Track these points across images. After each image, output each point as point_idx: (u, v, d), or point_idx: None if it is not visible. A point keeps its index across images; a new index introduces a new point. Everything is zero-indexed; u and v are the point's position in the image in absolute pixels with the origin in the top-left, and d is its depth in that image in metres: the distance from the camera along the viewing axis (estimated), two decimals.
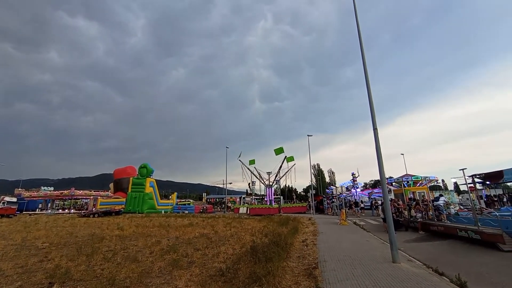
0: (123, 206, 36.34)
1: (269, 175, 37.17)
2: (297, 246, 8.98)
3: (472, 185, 12.48)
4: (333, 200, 29.26)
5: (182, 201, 52.16)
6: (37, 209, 43.63)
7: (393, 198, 21.57)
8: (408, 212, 14.76)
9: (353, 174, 35.77)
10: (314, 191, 32.39)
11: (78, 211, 38.88)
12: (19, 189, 52.55)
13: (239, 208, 35.18)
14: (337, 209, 26.06)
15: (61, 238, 11.89)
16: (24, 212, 38.77)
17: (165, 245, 9.52)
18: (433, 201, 14.27)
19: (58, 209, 45.40)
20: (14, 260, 7.54)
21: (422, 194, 21.92)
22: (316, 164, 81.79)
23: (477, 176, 11.88)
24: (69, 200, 47.36)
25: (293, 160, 36.04)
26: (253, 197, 50.91)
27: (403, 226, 14.00)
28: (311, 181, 40.24)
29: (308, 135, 31.55)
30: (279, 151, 35.98)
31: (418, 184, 23.72)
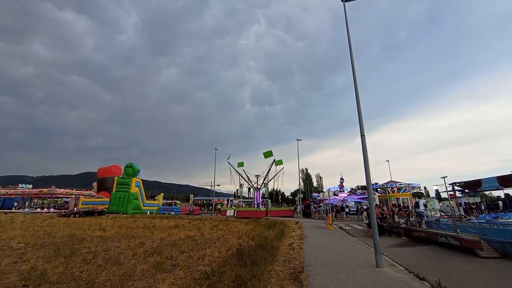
0: (106, 206, 35.23)
1: (257, 178, 37.14)
2: (284, 250, 8.98)
3: (452, 192, 12.95)
4: (320, 204, 29.57)
5: (169, 202, 51.21)
6: (13, 207, 41.59)
7: (378, 203, 22.07)
8: (392, 217, 15.13)
9: (341, 179, 36.33)
10: (302, 195, 32.60)
11: (58, 211, 37.32)
12: None
13: (226, 210, 34.88)
14: (323, 214, 26.34)
15: (38, 238, 11.35)
16: None
17: (149, 247, 9.28)
18: (414, 207, 14.72)
19: (36, 208, 43.41)
20: None
21: (405, 200, 22.58)
22: (304, 168, 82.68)
23: (457, 184, 12.34)
24: (49, 199, 45.43)
25: (282, 163, 36.21)
26: (241, 199, 50.68)
27: (387, 231, 14.32)
28: (299, 185, 40.45)
29: (297, 140, 31.85)
30: (268, 154, 36.05)
31: (401, 191, 24.41)
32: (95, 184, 53.02)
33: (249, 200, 51.05)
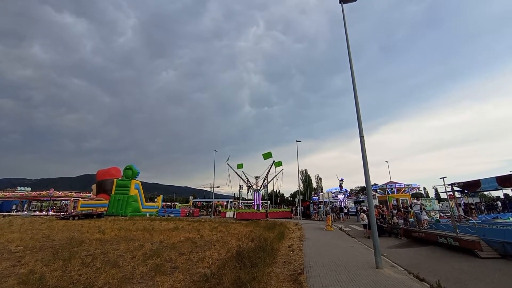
0: (105, 208, 35.07)
1: (256, 179, 37.11)
2: (283, 252, 8.96)
3: (451, 193, 12.99)
4: (320, 205, 29.56)
5: (168, 204, 51.06)
6: (12, 210, 41.37)
7: (377, 204, 22.08)
8: (391, 218, 15.13)
9: (342, 180, 36.34)
10: (301, 197, 32.60)
11: (56, 213, 37.15)
12: None
13: (226, 212, 34.82)
14: (323, 215, 26.32)
15: (37, 241, 11.29)
16: None
17: (148, 249, 9.23)
18: (409, 206, 14.72)
19: (35, 211, 43.19)
20: None
21: (404, 201, 22.59)
22: (303, 169, 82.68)
23: (456, 185, 12.40)
24: (48, 202, 45.21)
25: (281, 165, 36.22)
26: (241, 201, 50.59)
27: (386, 232, 14.31)
28: (299, 187, 40.49)
29: (296, 141, 31.84)
30: (267, 155, 36.05)
31: (401, 192, 24.40)
32: (94, 186, 52.78)
33: (249, 201, 51.01)
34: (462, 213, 17.34)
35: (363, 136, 7.71)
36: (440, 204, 35.99)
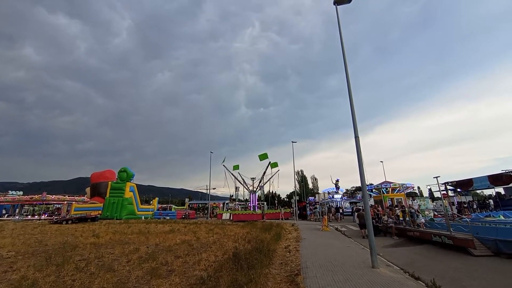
0: (100, 211, 34.63)
1: (253, 180, 37.07)
2: (280, 253, 8.96)
3: (445, 192, 13.17)
4: (316, 206, 29.65)
5: (164, 206, 50.61)
6: (3, 215, 40.52)
7: (373, 204, 22.25)
8: (381, 217, 15.23)
9: (337, 180, 36.53)
10: (297, 197, 32.69)
11: (49, 218, 36.50)
12: None
13: (222, 214, 34.68)
14: (319, 215, 26.42)
15: (29, 246, 11.07)
16: None
17: (143, 252, 9.13)
18: (394, 207, 14.85)
19: (27, 215, 42.36)
20: None
21: (400, 200, 22.83)
22: (299, 170, 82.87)
23: (449, 184, 12.58)
24: (40, 206, 44.41)
25: (277, 166, 36.24)
26: (237, 203, 50.46)
27: (382, 231, 14.42)
28: (295, 187, 40.52)
29: (292, 142, 31.96)
30: (263, 156, 36.07)
31: (396, 191, 24.66)
32: (88, 189, 52.07)
33: (245, 203, 50.89)
34: (455, 211, 17.61)
35: (358, 137, 7.77)
36: (434, 203, 36.48)
